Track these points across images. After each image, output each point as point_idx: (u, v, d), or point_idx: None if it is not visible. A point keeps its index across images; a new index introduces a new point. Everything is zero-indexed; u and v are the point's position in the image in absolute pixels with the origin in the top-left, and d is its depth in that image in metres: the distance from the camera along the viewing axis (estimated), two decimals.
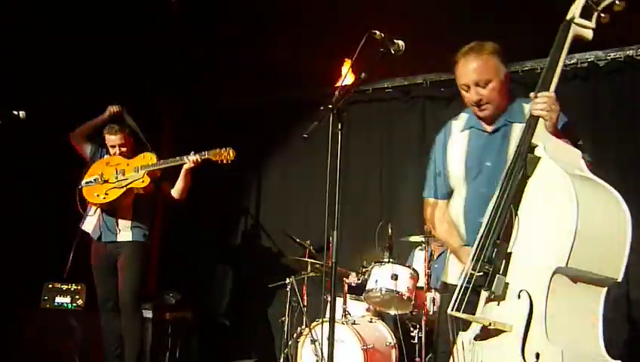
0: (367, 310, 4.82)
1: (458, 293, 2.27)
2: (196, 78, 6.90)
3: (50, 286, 5.28)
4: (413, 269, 4.54)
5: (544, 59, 5.09)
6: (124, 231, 4.67)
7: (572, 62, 5.05)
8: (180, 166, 4.65)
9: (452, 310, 2.26)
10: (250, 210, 6.63)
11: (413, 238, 4.87)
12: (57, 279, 5.22)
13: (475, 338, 2.30)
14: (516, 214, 2.23)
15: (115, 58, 5.92)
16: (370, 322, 4.66)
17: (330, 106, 2.29)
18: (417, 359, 4.49)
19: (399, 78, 5.82)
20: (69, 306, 5.21)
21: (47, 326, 5.06)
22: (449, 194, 2.87)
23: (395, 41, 2.68)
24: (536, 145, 2.30)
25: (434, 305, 4.39)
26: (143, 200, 4.77)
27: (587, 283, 2.11)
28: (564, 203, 2.08)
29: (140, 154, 4.74)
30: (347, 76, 6.13)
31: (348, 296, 4.75)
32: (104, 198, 4.64)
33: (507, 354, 2.12)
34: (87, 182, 4.73)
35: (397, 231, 4.85)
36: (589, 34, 2.49)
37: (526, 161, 2.28)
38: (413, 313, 4.52)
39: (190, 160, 4.57)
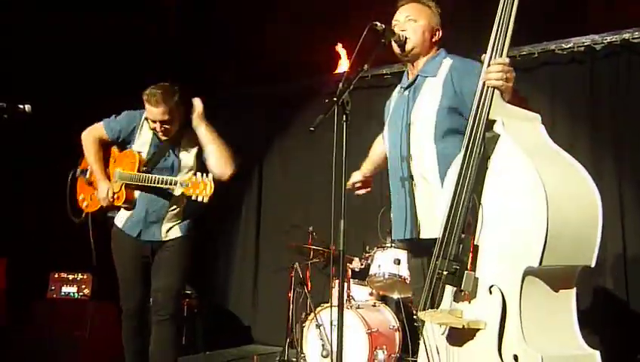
0: (371, 294, 4.90)
1: (426, 293, 2.21)
2: (194, 70, 6.92)
3: (56, 276, 5.32)
4: None
5: (541, 44, 5.17)
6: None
7: (568, 46, 5.09)
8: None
9: (423, 310, 2.23)
10: (252, 196, 6.68)
11: None
12: (63, 269, 5.29)
13: (450, 337, 2.20)
14: (479, 203, 2.08)
15: (114, 54, 5.95)
16: (374, 306, 4.75)
17: (334, 98, 2.33)
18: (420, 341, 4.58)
19: (398, 65, 5.84)
20: (76, 295, 5.27)
21: (55, 315, 5.12)
22: None
23: (396, 31, 2.73)
24: (494, 121, 2.09)
25: None
26: None
27: (561, 276, 1.99)
28: (531, 199, 1.90)
29: (127, 152, 3.73)
30: (347, 65, 6.22)
31: (351, 280, 4.83)
32: (87, 206, 3.90)
33: (484, 352, 2.01)
34: (81, 172, 3.99)
35: None
36: None
37: (484, 140, 2.09)
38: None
39: (149, 184, 3.53)
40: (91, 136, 3.83)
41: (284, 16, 6.28)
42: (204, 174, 3.37)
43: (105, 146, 3.84)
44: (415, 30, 2.74)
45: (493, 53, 2.17)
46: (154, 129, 3.64)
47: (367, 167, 3.25)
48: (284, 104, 6.54)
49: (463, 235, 2.12)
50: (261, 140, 6.74)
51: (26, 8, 5.40)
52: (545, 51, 5.16)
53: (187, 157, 3.71)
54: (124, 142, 3.80)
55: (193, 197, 3.36)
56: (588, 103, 5.02)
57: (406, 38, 2.71)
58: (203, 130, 3.63)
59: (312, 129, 2.25)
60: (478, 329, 2.06)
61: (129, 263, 3.72)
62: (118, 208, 3.73)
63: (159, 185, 3.51)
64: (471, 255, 2.08)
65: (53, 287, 5.29)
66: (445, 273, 2.13)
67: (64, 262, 5.20)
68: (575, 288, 2.03)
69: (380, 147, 3.11)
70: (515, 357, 1.92)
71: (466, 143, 2.16)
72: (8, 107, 3.78)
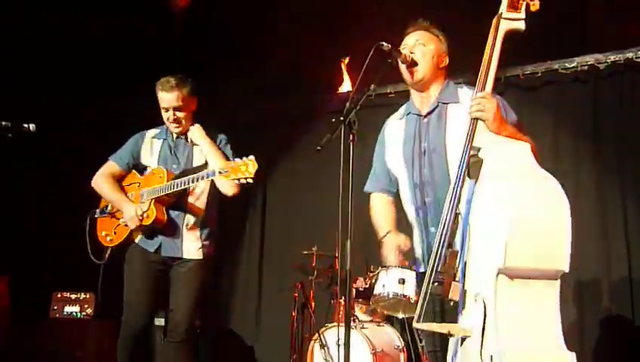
0: (375, 314, 4.87)
1: (421, 304, 2.32)
2: (198, 83, 6.95)
3: (58, 295, 5.32)
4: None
5: (545, 63, 5.19)
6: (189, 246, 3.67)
7: (572, 65, 5.11)
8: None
9: (416, 322, 2.34)
10: (256, 215, 6.67)
11: None
12: (65, 288, 5.27)
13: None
14: (460, 221, 2.26)
15: (114, 54, 5.96)
16: (379, 326, 4.72)
17: (341, 118, 2.34)
18: None
19: (402, 83, 5.83)
20: (79, 315, 5.25)
21: (57, 335, 5.10)
22: (390, 188, 3.01)
23: (402, 51, 2.74)
24: (479, 148, 2.31)
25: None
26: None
27: (536, 280, 2.09)
28: (499, 206, 2.09)
29: (153, 170, 3.69)
30: (350, 84, 6.24)
31: (355, 300, 4.80)
32: (111, 241, 3.79)
33: (471, 354, 2.14)
34: (101, 212, 3.90)
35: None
36: (520, 25, 2.43)
37: (468, 165, 2.30)
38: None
39: (182, 187, 3.48)
40: (102, 175, 3.81)
41: (287, 33, 6.30)
42: (243, 157, 3.31)
43: (120, 180, 3.82)
44: (424, 54, 2.77)
45: (477, 89, 2.43)
46: (167, 119, 3.64)
47: (383, 230, 3.02)
48: (288, 121, 6.54)
49: (449, 250, 2.26)
50: (265, 158, 6.73)
51: (26, 8, 5.41)
52: (548, 70, 5.18)
53: (198, 154, 3.70)
54: (137, 168, 3.80)
55: (236, 182, 3.30)
56: (591, 122, 5.02)
57: (413, 60, 2.73)
58: (207, 148, 3.65)
59: (318, 148, 2.25)
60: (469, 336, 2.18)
61: (140, 274, 3.63)
62: (149, 229, 3.63)
63: (195, 183, 3.47)
64: (457, 268, 2.22)
65: (55, 307, 5.29)
66: (434, 284, 2.27)
67: (67, 281, 5.19)
68: (556, 293, 2.10)
69: (385, 203, 3.08)
70: (491, 358, 2.03)
71: (456, 168, 2.36)
72: (13, 126, 3.80)
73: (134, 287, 3.64)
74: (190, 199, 3.66)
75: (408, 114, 2.91)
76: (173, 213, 3.63)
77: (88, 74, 5.78)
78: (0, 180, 5.08)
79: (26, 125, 3.82)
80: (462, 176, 2.29)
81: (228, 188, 3.59)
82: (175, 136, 3.76)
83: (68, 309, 5.29)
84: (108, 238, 3.84)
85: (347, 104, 2.39)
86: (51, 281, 5.31)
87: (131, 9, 5.95)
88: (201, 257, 3.65)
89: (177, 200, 3.62)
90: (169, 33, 6.48)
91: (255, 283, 6.52)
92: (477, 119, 2.37)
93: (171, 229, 3.61)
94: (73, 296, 5.30)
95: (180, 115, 3.61)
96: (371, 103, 5.89)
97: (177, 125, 3.65)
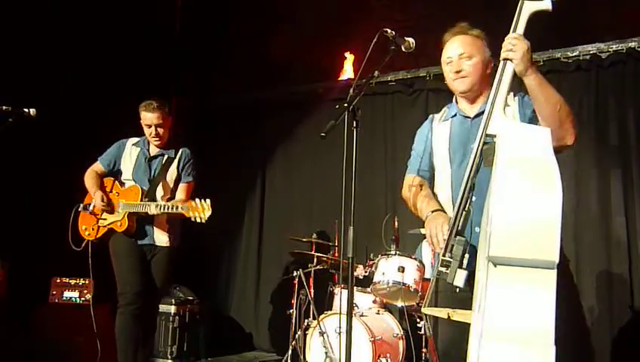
0: (374, 302, 4.88)
1: (430, 288, 2.36)
2: (197, 76, 6.94)
3: (57, 280, 5.31)
4: (420, 261, 4.59)
5: (546, 52, 5.17)
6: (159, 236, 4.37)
7: (574, 54, 5.11)
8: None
9: (425, 306, 2.35)
10: (255, 203, 6.67)
11: (423, 231, 4.89)
12: (65, 274, 5.27)
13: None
14: (470, 208, 2.26)
15: (118, 59, 5.95)
16: (378, 314, 4.73)
17: (345, 104, 2.33)
18: (424, 350, 4.57)
19: (403, 72, 5.85)
20: (78, 300, 5.25)
21: (56, 320, 5.10)
22: (428, 174, 2.89)
23: (406, 38, 2.72)
24: (494, 135, 2.25)
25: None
26: None
27: (526, 269, 2.02)
28: (494, 196, 2.04)
29: (131, 185, 4.37)
30: (351, 71, 6.22)
31: (355, 288, 4.80)
32: (89, 235, 4.38)
33: (474, 335, 2.11)
34: (84, 207, 4.43)
35: (403, 224, 4.90)
36: (546, 5, 2.36)
37: (482, 153, 2.27)
38: (420, 304, 4.57)
39: (152, 212, 4.15)
40: (90, 171, 4.53)
41: (285, 23, 6.29)
42: (203, 199, 3.97)
43: (103, 177, 4.53)
44: (473, 67, 2.68)
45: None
46: (150, 135, 4.37)
47: (432, 205, 2.78)
48: (287, 109, 6.53)
49: (457, 238, 2.24)
50: (264, 146, 6.73)
51: (26, 10, 5.39)
52: (550, 59, 5.16)
53: (171, 172, 4.42)
54: (119, 171, 4.50)
55: (192, 219, 3.97)
56: (593, 111, 5.01)
57: (465, 76, 2.68)
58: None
59: (323, 135, 2.23)
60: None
61: (127, 254, 4.29)
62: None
63: (163, 211, 4.14)
64: (467, 255, 2.22)
65: (54, 292, 5.28)
66: (441, 268, 2.25)
67: (66, 267, 5.18)
68: (552, 284, 2.01)
69: (427, 186, 2.91)
70: (480, 342, 2.02)
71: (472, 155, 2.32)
72: (13, 111, 3.80)
73: (124, 268, 4.29)
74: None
75: (454, 116, 2.81)
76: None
77: (89, 77, 5.77)
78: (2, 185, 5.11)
79: (26, 110, 3.84)
80: (477, 163, 2.26)
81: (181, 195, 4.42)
82: (151, 151, 4.46)
83: (67, 294, 5.28)
84: (87, 233, 4.41)
85: (351, 91, 2.37)
86: (51, 267, 5.30)
87: (134, 10, 5.95)
88: (167, 246, 4.38)
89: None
90: (168, 25, 6.48)
91: (254, 270, 6.54)
92: (506, 60, 2.33)
93: (141, 233, 4.32)
94: (72, 282, 5.29)
95: (160, 130, 4.35)
96: (371, 91, 5.95)
97: (158, 139, 4.38)
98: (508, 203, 2.01)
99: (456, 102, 2.83)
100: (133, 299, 4.18)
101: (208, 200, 3.95)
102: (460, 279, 2.18)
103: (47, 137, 5.21)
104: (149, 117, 4.32)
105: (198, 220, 3.94)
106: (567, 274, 4.72)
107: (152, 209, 4.13)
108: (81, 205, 4.46)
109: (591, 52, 5.06)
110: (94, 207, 4.36)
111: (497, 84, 2.33)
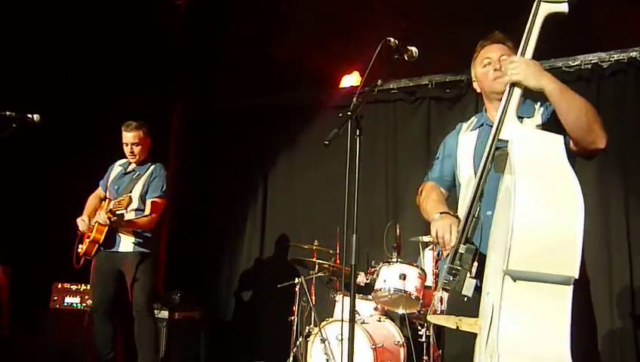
0: (375, 309, 4.88)
1: (435, 296, 2.34)
2: (200, 81, 6.95)
3: (59, 286, 5.33)
4: (421, 269, 4.60)
5: (548, 61, 5.20)
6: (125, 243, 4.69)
7: (575, 63, 5.12)
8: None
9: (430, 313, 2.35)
10: (257, 210, 6.68)
11: (424, 238, 4.90)
12: (66, 279, 5.28)
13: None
14: (479, 215, 2.22)
15: (119, 62, 5.97)
16: (379, 321, 4.73)
17: (348, 113, 2.34)
18: (425, 357, 4.56)
19: (405, 79, 5.87)
20: (79, 306, 5.26)
21: (57, 325, 5.11)
22: (448, 183, 2.87)
23: (409, 48, 2.73)
24: (507, 141, 2.19)
25: (441, 304, 4.44)
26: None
27: (544, 284, 1.96)
28: (509, 206, 1.96)
29: (107, 201, 4.77)
30: (354, 79, 6.24)
31: (356, 295, 4.80)
32: (81, 251, 4.68)
33: (480, 348, 2.12)
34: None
35: (404, 231, 4.90)
36: (562, 8, 2.29)
37: (494, 159, 2.22)
38: (421, 312, 4.57)
39: (102, 218, 4.54)
40: (92, 196, 5.00)
41: (287, 29, 6.30)
42: (130, 194, 4.49)
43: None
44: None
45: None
46: (126, 152, 4.78)
47: (440, 208, 2.73)
48: (289, 115, 6.55)
49: (467, 245, 2.20)
50: (266, 152, 6.74)
51: (33, 13, 5.41)
52: (552, 69, 5.16)
53: (137, 187, 4.73)
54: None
55: (116, 211, 4.49)
56: None
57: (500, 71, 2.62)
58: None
59: (326, 143, 2.25)
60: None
61: (95, 269, 4.72)
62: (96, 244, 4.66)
63: (110, 209, 4.52)
64: (476, 263, 2.18)
65: (56, 298, 5.29)
66: (448, 276, 2.22)
67: (67, 272, 5.18)
68: (568, 300, 1.95)
69: (441, 194, 2.89)
70: (491, 358, 1.96)
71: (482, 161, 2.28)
72: (17, 116, 3.82)
73: (92, 281, 4.76)
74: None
75: (481, 125, 2.77)
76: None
77: (91, 81, 5.80)
78: (2, 170, 5.08)
79: (30, 115, 3.86)
80: (486, 169, 2.23)
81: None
82: (129, 168, 4.88)
83: (68, 300, 5.30)
84: (79, 249, 4.73)
85: (354, 99, 2.39)
86: (52, 272, 5.30)
87: (136, 14, 5.97)
88: (130, 251, 4.68)
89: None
90: (170, 28, 6.50)
91: (255, 277, 6.53)
92: (512, 86, 2.29)
93: (110, 242, 4.67)
94: (74, 287, 5.31)
95: (135, 149, 4.76)
96: (373, 99, 5.97)
97: (133, 156, 4.80)
98: (528, 215, 1.93)
99: (486, 110, 2.79)
100: (97, 308, 4.69)
101: (133, 194, 4.53)
102: (468, 288, 2.15)
103: (47, 141, 5.22)
104: (127, 136, 4.74)
105: (119, 212, 4.48)
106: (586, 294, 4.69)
107: (99, 215, 4.56)
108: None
109: (592, 61, 5.07)
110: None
111: (508, 95, 2.31)
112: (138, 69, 6.06)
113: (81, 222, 4.69)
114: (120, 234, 4.66)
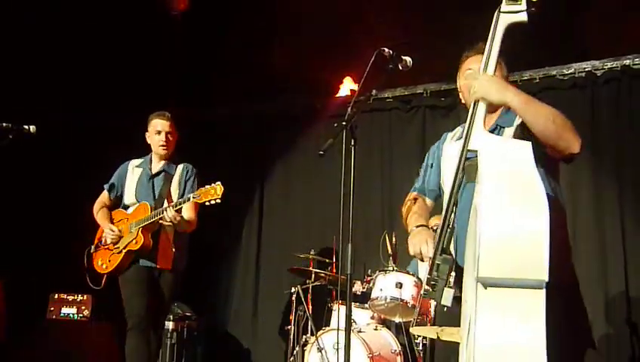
0: (372, 318, 4.88)
1: (417, 307, 2.30)
2: (197, 88, 6.97)
3: (55, 296, 5.31)
4: (418, 277, 4.61)
5: (542, 69, 5.23)
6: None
7: (569, 71, 5.17)
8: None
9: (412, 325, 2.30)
10: (253, 218, 6.68)
11: None
12: (62, 290, 5.28)
13: None
14: (454, 226, 2.21)
15: (118, 69, 5.99)
16: (376, 330, 4.73)
17: (343, 122, 2.36)
18: None
19: (400, 88, 5.90)
20: (76, 317, 5.25)
21: (54, 336, 5.10)
22: (433, 193, 2.89)
23: (404, 57, 2.75)
24: (476, 151, 2.20)
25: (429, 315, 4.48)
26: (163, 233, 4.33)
27: (515, 290, 1.97)
28: (480, 213, 1.97)
29: (140, 204, 4.32)
30: (350, 88, 6.26)
31: (353, 304, 4.81)
32: (106, 268, 4.30)
33: (462, 355, 2.13)
34: (95, 247, 4.45)
35: (400, 240, 4.91)
36: (521, 17, 2.26)
37: (464, 169, 2.23)
38: (417, 320, 4.58)
39: (168, 216, 4.07)
40: (97, 204, 4.53)
41: (285, 39, 6.32)
42: (213, 183, 4.00)
43: (113, 208, 4.52)
44: None
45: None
46: (159, 142, 4.38)
47: (417, 222, 2.82)
48: (285, 123, 6.56)
49: (443, 256, 2.19)
50: (263, 160, 6.74)
51: (31, 21, 5.43)
52: (546, 77, 5.21)
53: (174, 188, 4.40)
54: (122, 196, 4.47)
55: (207, 203, 3.98)
56: (589, 129, 5.04)
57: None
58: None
59: (321, 153, 2.26)
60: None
61: (131, 279, 4.23)
62: (136, 255, 4.23)
63: (175, 208, 4.08)
64: (453, 273, 2.16)
65: (52, 308, 5.28)
66: (427, 288, 2.20)
67: (64, 283, 5.19)
68: (540, 303, 1.96)
69: (424, 205, 2.92)
70: None
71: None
72: (13, 128, 3.82)
73: (131, 292, 4.22)
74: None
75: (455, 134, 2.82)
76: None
77: (91, 88, 5.82)
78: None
79: (26, 127, 3.86)
80: (458, 179, 2.24)
81: (189, 213, 4.29)
82: (153, 168, 4.45)
83: (65, 311, 5.28)
84: (103, 266, 4.34)
85: (349, 109, 2.40)
86: (48, 283, 5.30)
87: (134, 21, 5.99)
88: (168, 269, 4.31)
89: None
90: (167, 38, 6.52)
91: (252, 286, 6.53)
92: (477, 102, 2.32)
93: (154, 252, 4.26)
94: (70, 298, 5.29)
95: (170, 137, 4.40)
96: (368, 108, 5.99)
97: (165, 146, 4.40)
98: (494, 222, 1.96)
99: None
100: (138, 322, 4.13)
101: (218, 182, 4.00)
102: (447, 298, 2.14)
103: (44, 150, 5.22)
104: (161, 123, 4.39)
105: (213, 202, 3.96)
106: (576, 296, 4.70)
107: (167, 212, 4.05)
108: (92, 246, 4.48)
109: (586, 69, 5.12)
110: (106, 240, 4.34)
111: (473, 108, 2.33)
112: (136, 75, 6.08)
113: (110, 232, 4.28)
114: (157, 248, 4.26)
